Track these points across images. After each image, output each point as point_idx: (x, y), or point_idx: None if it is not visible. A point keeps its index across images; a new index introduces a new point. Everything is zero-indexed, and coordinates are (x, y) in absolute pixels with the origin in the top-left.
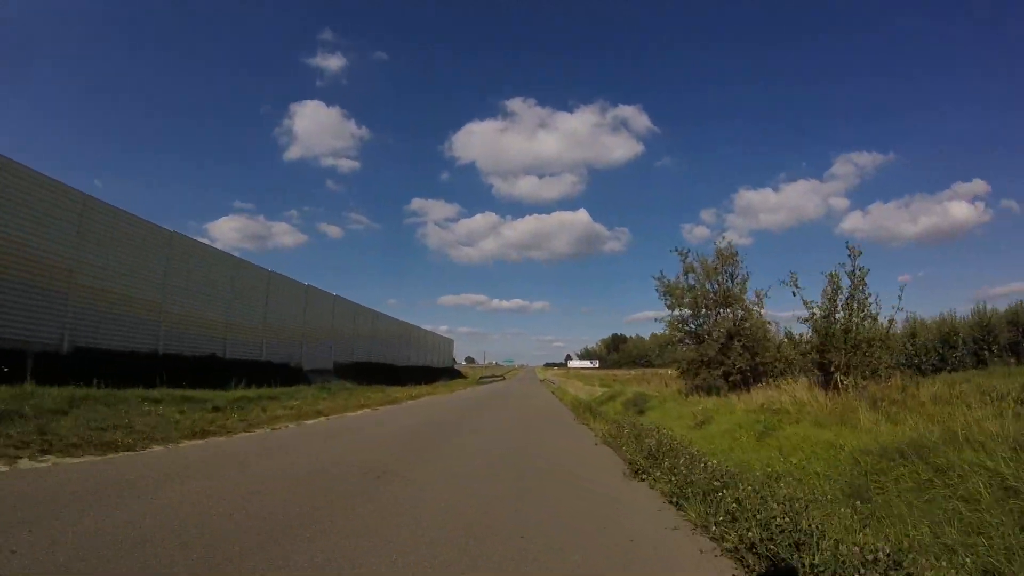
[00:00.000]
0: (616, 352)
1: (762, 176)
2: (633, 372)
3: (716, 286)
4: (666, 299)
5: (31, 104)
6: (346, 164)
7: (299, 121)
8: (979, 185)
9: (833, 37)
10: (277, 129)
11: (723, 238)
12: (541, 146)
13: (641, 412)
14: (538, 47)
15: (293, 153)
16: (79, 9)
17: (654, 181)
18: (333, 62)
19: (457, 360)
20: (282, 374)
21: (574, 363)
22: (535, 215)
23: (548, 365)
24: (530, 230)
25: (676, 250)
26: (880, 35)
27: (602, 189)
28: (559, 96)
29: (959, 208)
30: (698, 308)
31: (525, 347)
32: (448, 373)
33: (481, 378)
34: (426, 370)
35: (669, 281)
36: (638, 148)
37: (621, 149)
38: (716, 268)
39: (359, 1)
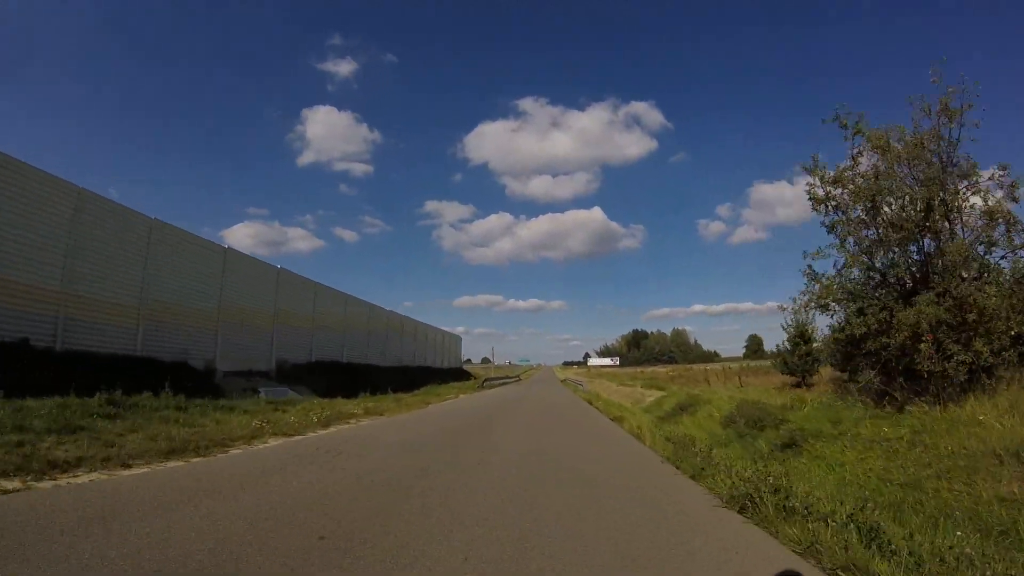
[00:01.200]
0: (638, 349)
1: (778, 170)
2: (665, 369)
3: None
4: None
5: (43, 108)
6: (359, 168)
7: (311, 126)
8: (995, 175)
9: (848, 28)
10: (290, 135)
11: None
12: (554, 145)
13: (790, 446)
14: (548, 45)
15: (306, 158)
16: (92, 15)
17: (669, 177)
18: (344, 67)
19: (473, 360)
20: (179, 378)
21: (594, 361)
22: (549, 214)
23: (567, 364)
24: (545, 230)
25: (835, 118)
26: (895, 28)
27: (616, 187)
28: (570, 94)
29: (977, 199)
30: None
31: (542, 347)
32: (455, 375)
33: (487, 380)
34: (424, 372)
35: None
36: (652, 144)
37: (635, 146)
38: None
39: (368, 5)
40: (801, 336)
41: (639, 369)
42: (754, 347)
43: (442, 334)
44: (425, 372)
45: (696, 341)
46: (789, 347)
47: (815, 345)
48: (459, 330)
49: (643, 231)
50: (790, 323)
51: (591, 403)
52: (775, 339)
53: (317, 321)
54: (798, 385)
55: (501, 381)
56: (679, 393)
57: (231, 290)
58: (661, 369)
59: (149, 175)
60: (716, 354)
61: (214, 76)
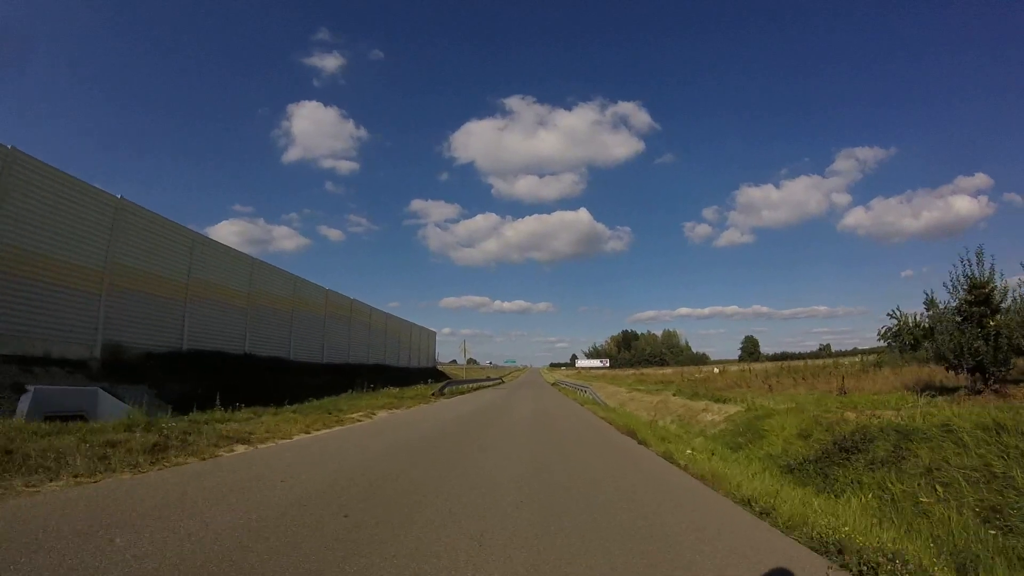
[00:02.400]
0: (628, 350)
1: (764, 172)
2: (665, 371)
3: None
4: None
5: (25, 104)
6: (345, 165)
7: (297, 122)
8: (982, 179)
9: (835, 29)
10: (275, 131)
11: None
12: (541, 145)
13: None
14: (536, 43)
15: (292, 155)
16: (73, 10)
17: (655, 179)
18: (330, 62)
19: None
20: None
21: (582, 362)
22: (536, 215)
23: (553, 365)
24: (531, 231)
25: None
26: (882, 27)
27: (603, 188)
28: (558, 93)
29: (962, 202)
30: None
31: (528, 348)
32: (424, 376)
33: (448, 384)
34: (380, 371)
35: None
36: (639, 146)
37: (621, 147)
38: None
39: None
40: (977, 296)
41: (636, 371)
42: (750, 348)
43: (410, 328)
44: (381, 372)
45: (687, 343)
46: (924, 326)
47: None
48: (444, 331)
49: (629, 233)
50: (959, 277)
51: (641, 440)
52: (768, 341)
53: (195, 290)
54: (976, 391)
55: (477, 384)
56: (792, 411)
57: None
58: (659, 371)
59: (132, 170)
60: (706, 356)
61: (199, 70)
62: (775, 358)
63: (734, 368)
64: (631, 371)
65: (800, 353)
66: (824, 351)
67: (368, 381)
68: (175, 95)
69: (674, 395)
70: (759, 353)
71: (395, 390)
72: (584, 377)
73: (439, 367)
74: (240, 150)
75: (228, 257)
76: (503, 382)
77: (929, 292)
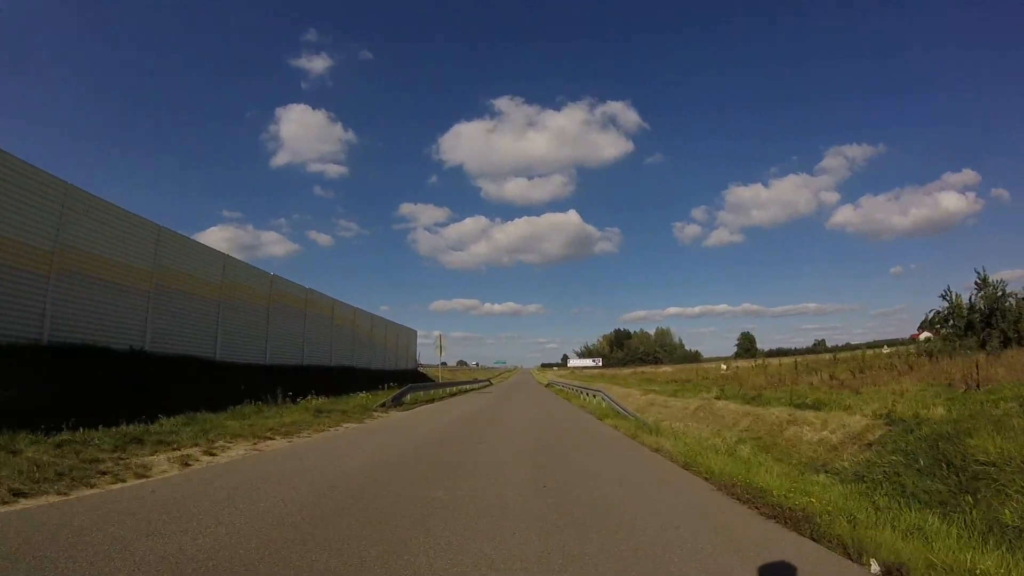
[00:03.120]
0: (621, 349)
1: (753, 172)
2: (666, 369)
3: None
4: None
5: (10, 105)
6: (334, 169)
7: (285, 126)
8: (969, 175)
9: (822, 27)
10: (263, 135)
11: None
12: (530, 146)
13: None
14: (524, 43)
15: (280, 159)
16: (58, 11)
17: (645, 179)
18: (318, 63)
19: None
20: None
21: (574, 362)
22: (525, 218)
23: (545, 366)
24: (521, 233)
25: None
26: (869, 24)
27: (592, 189)
28: (547, 94)
29: (950, 198)
30: None
31: (519, 350)
32: (403, 379)
33: (411, 387)
34: (345, 374)
35: None
36: (628, 146)
37: (611, 147)
38: None
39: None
40: None
41: (634, 370)
42: (746, 345)
43: (384, 325)
44: (346, 375)
45: (680, 341)
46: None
47: None
48: (435, 334)
49: (619, 234)
50: None
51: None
52: (759, 339)
53: (65, 261)
54: None
55: (458, 387)
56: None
57: None
58: (657, 369)
59: (118, 175)
60: (699, 354)
61: (185, 73)
62: (771, 354)
63: (743, 365)
64: (627, 370)
65: (796, 349)
66: (820, 346)
67: (321, 385)
68: (160, 98)
69: (718, 398)
70: (756, 349)
71: (324, 400)
72: (580, 377)
73: (420, 369)
74: (228, 155)
75: (122, 222)
76: (491, 384)
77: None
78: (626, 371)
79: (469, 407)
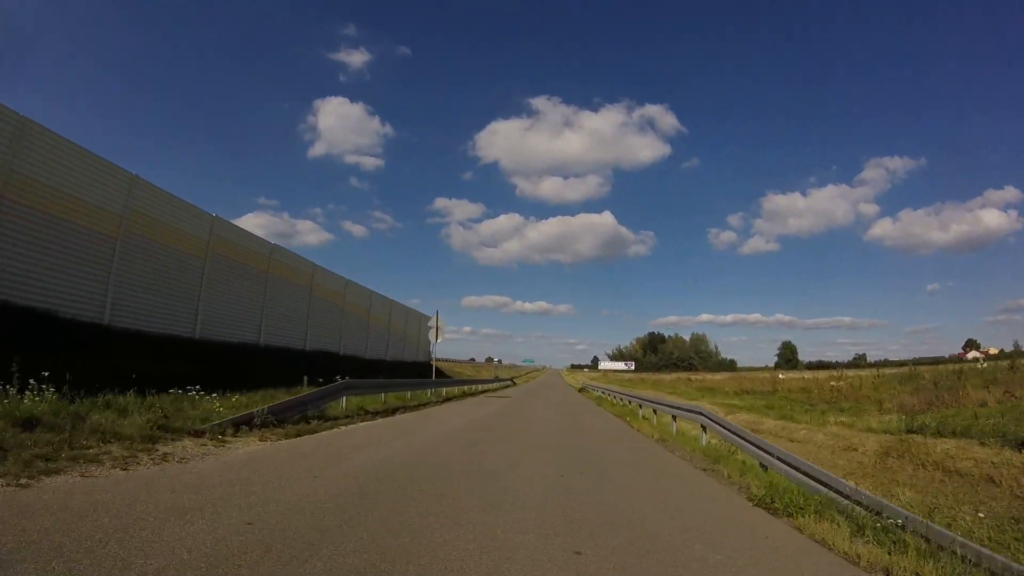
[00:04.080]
0: (654, 353)
1: (791, 180)
2: (719, 377)
3: None
4: None
5: (53, 97)
6: (370, 162)
7: (323, 118)
8: (1012, 192)
9: (865, 37)
10: (301, 126)
11: None
12: (566, 146)
13: None
14: (564, 43)
15: (317, 150)
16: (106, 4)
17: (681, 184)
18: (356, 57)
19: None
20: None
21: (605, 364)
22: (559, 217)
23: (574, 367)
24: (554, 232)
25: None
26: (913, 36)
27: (628, 191)
28: (585, 94)
29: (990, 216)
30: None
31: (548, 350)
32: (408, 372)
33: (314, 397)
34: (328, 360)
35: None
36: (665, 149)
37: (647, 150)
38: None
39: None
40: None
41: (680, 375)
42: (787, 355)
43: (389, 306)
44: (330, 362)
45: (717, 348)
46: None
47: None
48: (465, 330)
49: (653, 237)
50: None
51: None
52: (807, 348)
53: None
54: None
55: (469, 386)
56: None
57: None
58: (705, 376)
59: (159, 163)
60: (734, 362)
61: (226, 64)
62: (811, 367)
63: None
64: (668, 375)
65: (837, 362)
66: (862, 360)
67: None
68: (203, 90)
69: (911, 431)
70: (797, 360)
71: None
72: (618, 381)
73: (436, 363)
74: (266, 144)
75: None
76: (512, 385)
77: None
78: (668, 376)
79: (451, 425)
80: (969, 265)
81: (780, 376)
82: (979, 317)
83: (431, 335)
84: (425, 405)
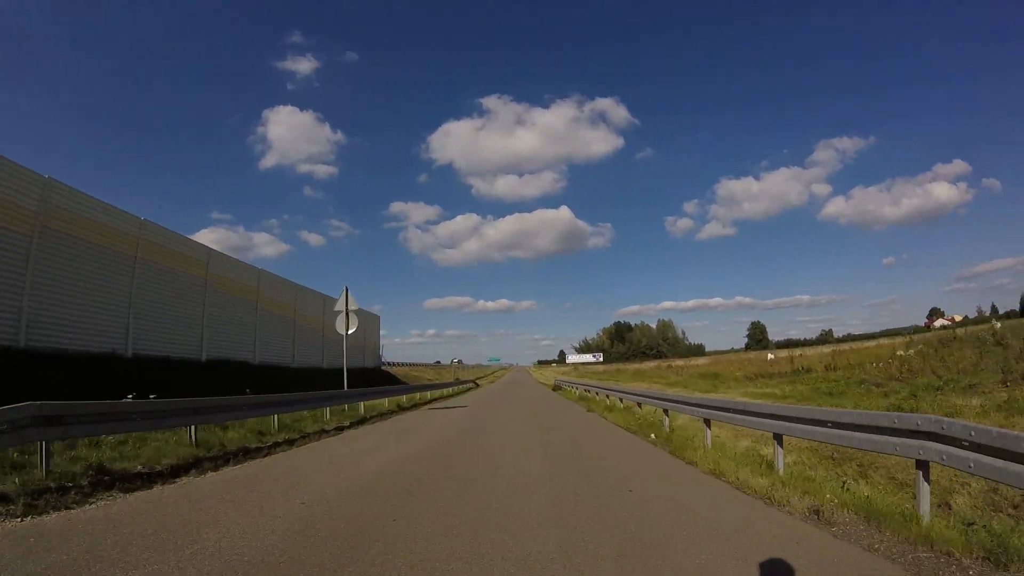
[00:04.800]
0: (622, 343)
1: (744, 165)
2: (700, 361)
3: None
4: None
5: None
6: (323, 170)
7: (273, 128)
8: (960, 165)
9: (810, 20)
10: (251, 137)
11: None
12: (519, 143)
13: None
14: (511, 41)
15: (269, 161)
16: (37, 15)
17: (636, 175)
18: (304, 65)
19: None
20: None
21: (573, 358)
22: (516, 214)
23: (541, 363)
24: (512, 230)
25: None
26: (856, 16)
27: (583, 185)
28: (535, 91)
29: (941, 189)
30: None
31: (514, 347)
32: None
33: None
34: (211, 373)
35: None
36: (618, 142)
37: (601, 143)
38: None
39: (327, 1)
40: None
41: (651, 363)
42: (757, 335)
43: (322, 302)
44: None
45: (684, 333)
46: None
47: None
48: (429, 332)
49: (611, 229)
50: None
51: None
52: (770, 328)
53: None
54: None
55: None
56: None
57: None
58: (684, 363)
59: (108, 180)
60: (702, 347)
61: (170, 76)
62: (781, 345)
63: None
64: (641, 364)
65: (805, 340)
66: (828, 336)
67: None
68: (143, 102)
69: None
70: (768, 340)
71: None
72: (595, 376)
73: (386, 368)
74: (216, 157)
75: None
76: (475, 388)
77: None
78: (647, 365)
79: (324, 493)
80: (923, 237)
81: (769, 356)
82: (936, 287)
83: (338, 323)
84: (341, 429)
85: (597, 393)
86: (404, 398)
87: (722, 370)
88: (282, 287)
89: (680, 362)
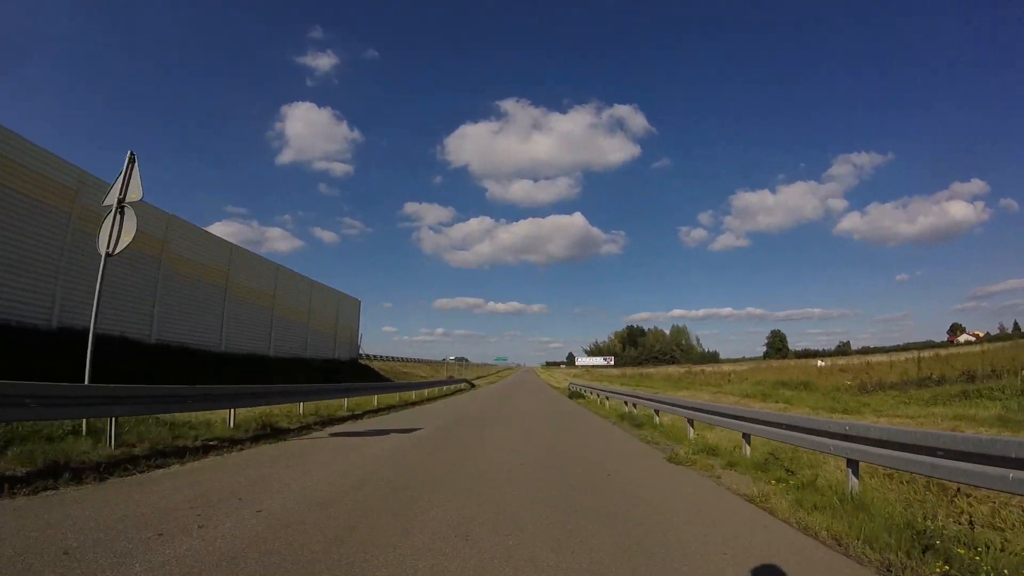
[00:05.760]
0: (634, 347)
1: (760, 178)
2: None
3: None
4: None
5: (13, 102)
6: (339, 168)
7: (291, 124)
8: (977, 185)
9: (832, 35)
10: (269, 132)
11: None
12: (535, 148)
13: None
14: (532, 45)
15: (285, 157)
16: (62, 9)
17: (651, 183)
18: (324, 61)
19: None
20: None
21: (583, 360)
22: (530, 219)
23: (549, 364)
24: (525, 234)
25: None
26: (879, 33)
27: (598, 192)
28: (553, 96)
29: (957, 208)
30: None
31: (523, 349)
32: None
33: None
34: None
35: None
36: (635, 150)
37: (618, 151)
38: None
39: None
40: None
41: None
42: (777, 344)
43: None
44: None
45: (698, 340)
46: None
47: None
48: (439, 331)
49: (624, 237)
50: None
51: None
52: (796, 337)
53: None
54: None
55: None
56: None
57: None
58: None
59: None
60: (717, 354)
61: (189, 70)
62: (800, 355)
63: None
64: (655, 368)
65: (824, 351)
66: (846, 348)
67: None
68: (167, 96)
69: None
70: (788, 349)
71: None
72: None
73: (364, 362)
74: (233, 151)
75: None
76: (469, 388)
77: None
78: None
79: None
80: (937, 255)
81: (819, 363)
82: (948, 305)
83: (100, 239)
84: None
85: (634, 403)
86: (363, 400)
87: (810, 379)
88: (259, 266)
89: (709, 368)
